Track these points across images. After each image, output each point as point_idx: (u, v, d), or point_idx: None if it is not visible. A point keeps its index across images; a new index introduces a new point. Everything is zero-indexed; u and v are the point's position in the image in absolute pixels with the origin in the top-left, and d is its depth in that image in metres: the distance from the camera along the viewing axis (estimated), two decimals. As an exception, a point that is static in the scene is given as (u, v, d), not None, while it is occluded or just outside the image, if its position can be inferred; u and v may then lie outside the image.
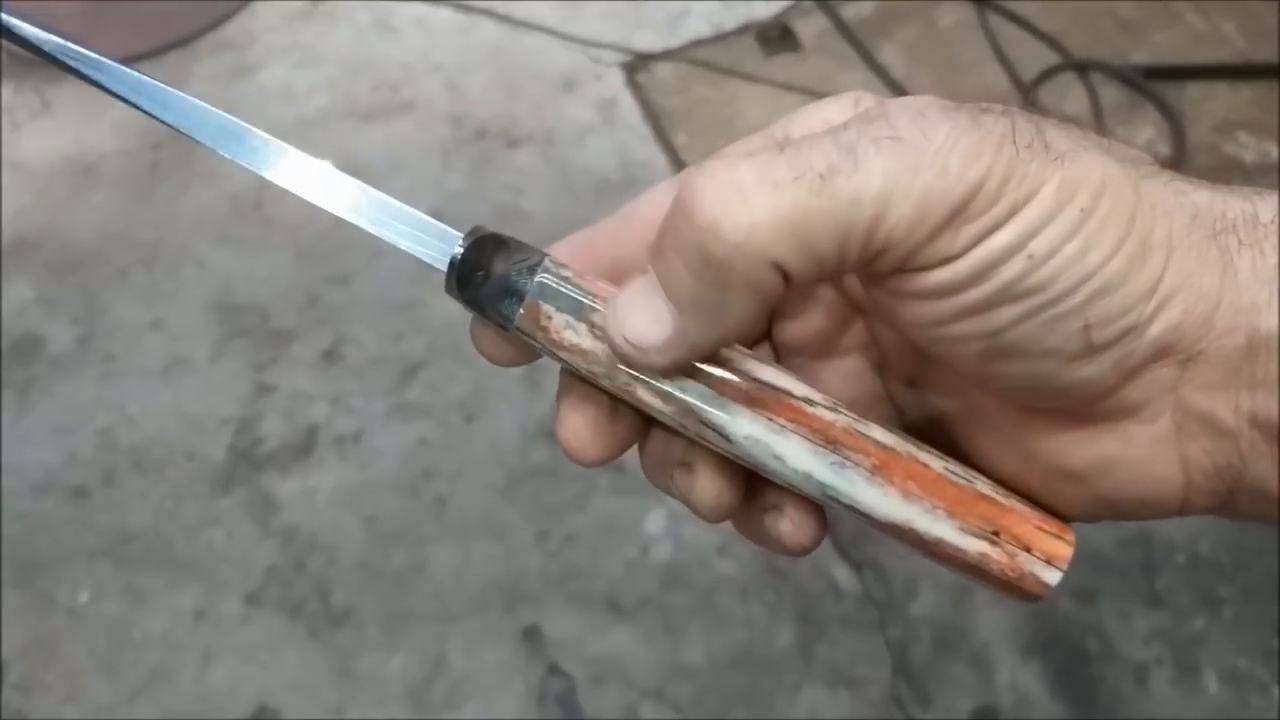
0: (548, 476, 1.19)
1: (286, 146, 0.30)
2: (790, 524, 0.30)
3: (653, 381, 0.29)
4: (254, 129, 0.30)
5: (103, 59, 0.30)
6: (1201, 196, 0.27)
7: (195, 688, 1.09)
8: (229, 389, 1.27)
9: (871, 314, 0.33)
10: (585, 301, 0.29)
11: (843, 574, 1.14)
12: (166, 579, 1.15)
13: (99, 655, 1.10)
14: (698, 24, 1.63)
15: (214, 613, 1.13)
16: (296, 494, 1.20)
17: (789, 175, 0.25)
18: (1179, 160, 1.47)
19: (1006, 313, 0.26)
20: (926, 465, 0.29)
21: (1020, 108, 0.27)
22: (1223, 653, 1.09)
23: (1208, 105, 1.55)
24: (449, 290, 0.30)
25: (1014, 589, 0.30)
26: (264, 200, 1.41)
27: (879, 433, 0.29)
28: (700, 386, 0.29)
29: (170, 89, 0.30)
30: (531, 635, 1.11)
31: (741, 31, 1.63)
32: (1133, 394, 0.27)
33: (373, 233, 0.30)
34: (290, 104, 1.53)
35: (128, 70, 0.30)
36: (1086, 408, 0.28)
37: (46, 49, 0.30)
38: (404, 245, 0.30)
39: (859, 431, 0.29)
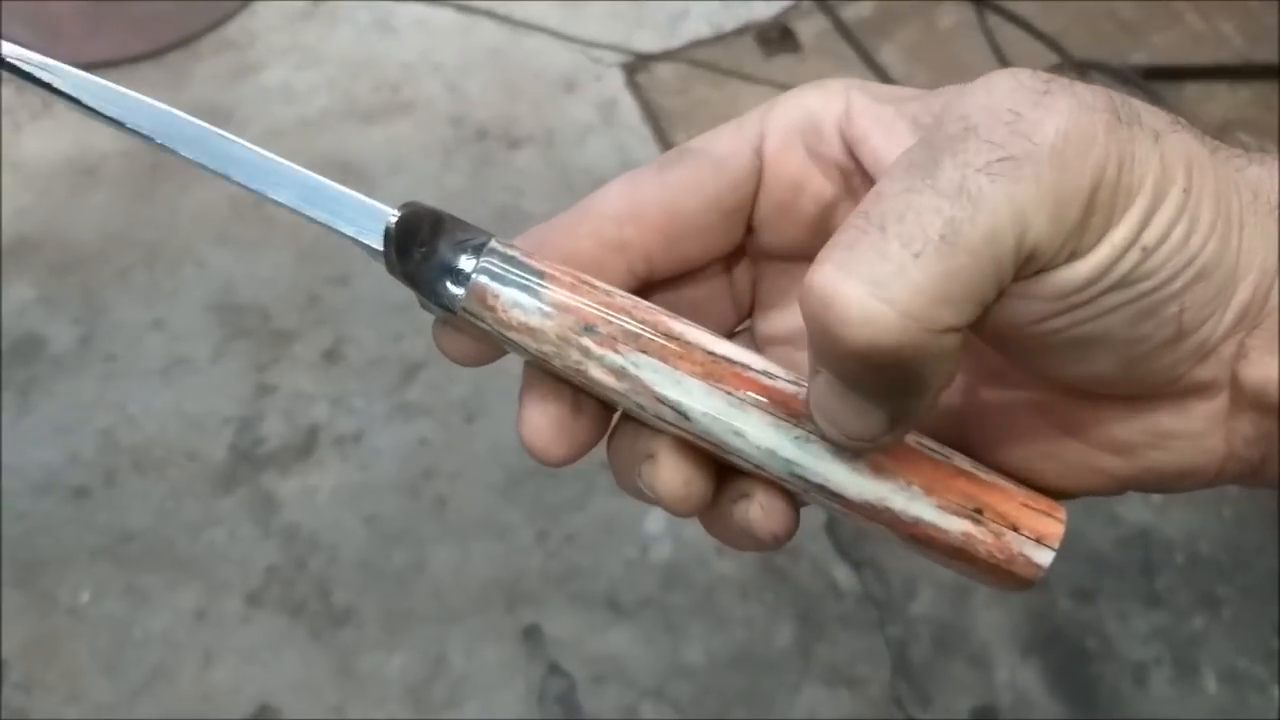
0: (548, 476, 1.19)
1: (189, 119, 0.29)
2: (760, 509, 0.28)
3: (606, 356, 0.27)
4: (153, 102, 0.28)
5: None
6: (1253, 171, 0.26)
7: (196, 687, 1.09)
8: (230, 389, 1.28)
9: None
10: (533, 280, 0.28)
11: (842, 574, 1.14)
12: (167, 579, 1.15)
13: (100, 655, 1.11)
14: (698, 24, 1.63)
15: (215, 612, 1.13)
16: (297, 494, 1.20)
17: (909, 254, 0.23)
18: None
19: (1105, 302, 0.24)
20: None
21: None
22: (1222, 652, 1.09)
23: (1207, 106, 1.55)
24: (389, 268, 0.28)
25: (1004, 574, 0.27)
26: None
27: None
28: (654, 361, 0.27)
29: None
30: (531, 635, 1.11)
31: (741, 32, 1.63)
32: (1203, 373, 0.26)
33: (301, 212, 0.28)
34: (290, 104, 1.53)
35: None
36: (1158, 391, 0.27)
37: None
38: (335, 224, 0.28)
39: None
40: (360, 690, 1.09)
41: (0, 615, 1.12)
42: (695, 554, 1.15)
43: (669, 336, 0.28)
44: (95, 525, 1.18)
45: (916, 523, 0.27)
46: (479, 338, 0.29)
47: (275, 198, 0.28)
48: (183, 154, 0.29)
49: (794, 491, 0.28)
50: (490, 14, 1.63)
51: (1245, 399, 0.26)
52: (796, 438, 0.27)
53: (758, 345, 0.33)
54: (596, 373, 0.28)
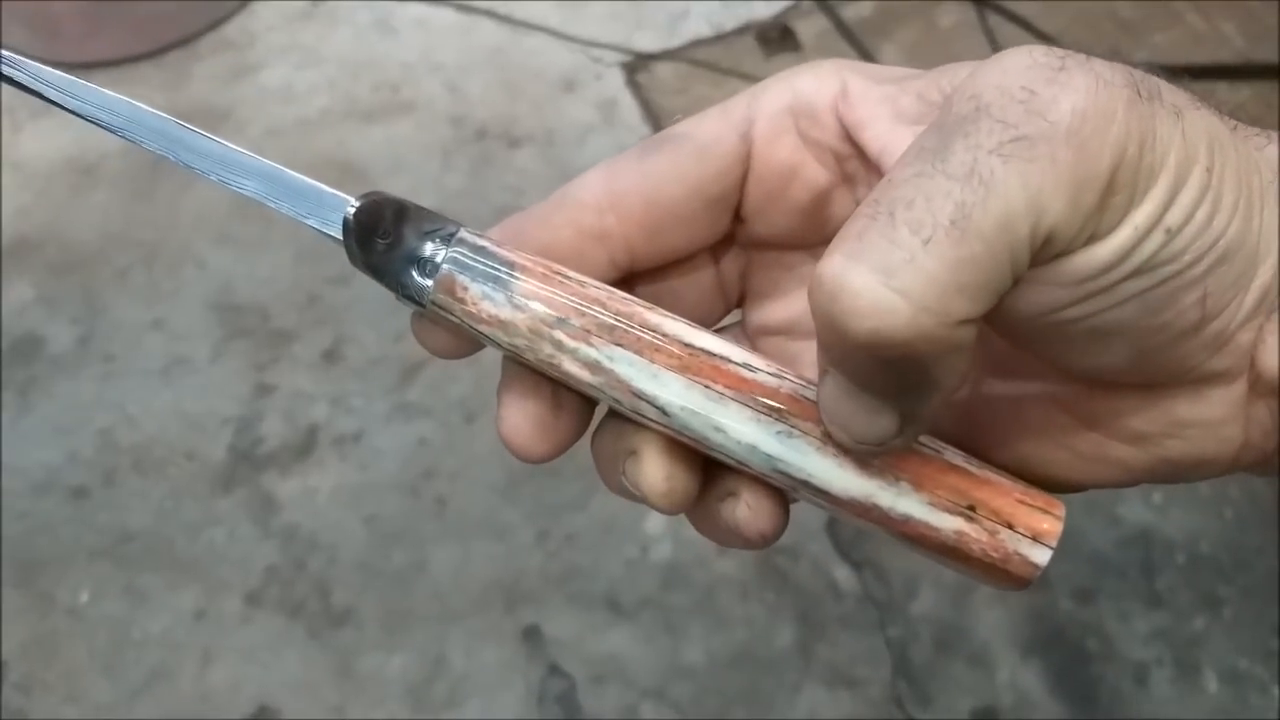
0: (548, 476, 1.19)
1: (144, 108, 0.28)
2: (747, 508, 0.27)
3: (579, 349, 0.27)
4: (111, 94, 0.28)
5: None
6: (1271, 150, 0.25)
7: (195, 687, 1.09)
8: (229, 389, 1.27)
9: None
10: (503, 271, 0.27)
11: (843, 574, 1.14)
12: (167, 579, 1.15)
13: (99, 655, 1.10)
14: (698, 24, 1.63)
15: (214, 612, 1.13)
16: (297, 494, 1.20)
17: (919, 241, 0.21)
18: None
19: (1126, 288, 0.23)
20: None
21: None
22: (1222, 653, 1.09)
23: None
24: (351, 259, 0.27)
25: (1000, 573, 0.26)
26: (264, 200, 1.41)
27: None
28: (629, 354, 0.26)
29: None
30: (531, 635, 1.11)
31: (741, 32, 1.63)
32: (1221, 360, 0.25)
33: (267, 203, 0.28)
34: (290, 104, 1.53)
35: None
36: (1176, 379, 0.26)
37: None
38: (298, 215, 0.28)
39: (807, 398, 0.26)
40: (360, 690, 1.09)
41: (0, 615, 1.12)
42: (695, 554, 1.14)
43: (645, 328, 0.27)
44: (95, 525, 1.18)
45: (907, 520, 0.26)
46: (452, 331, 0.28)
47: (241, 190, 0.28)
48: (146, 146, 0.28)
49: (783, 489, 0.28)
50: (490, 14, 1.63)
51: (1263, 386, 0.25)
52: (779, 433, 0.26)
53: (749, 336, 0.32)
54: (570, 367, 0.27)
